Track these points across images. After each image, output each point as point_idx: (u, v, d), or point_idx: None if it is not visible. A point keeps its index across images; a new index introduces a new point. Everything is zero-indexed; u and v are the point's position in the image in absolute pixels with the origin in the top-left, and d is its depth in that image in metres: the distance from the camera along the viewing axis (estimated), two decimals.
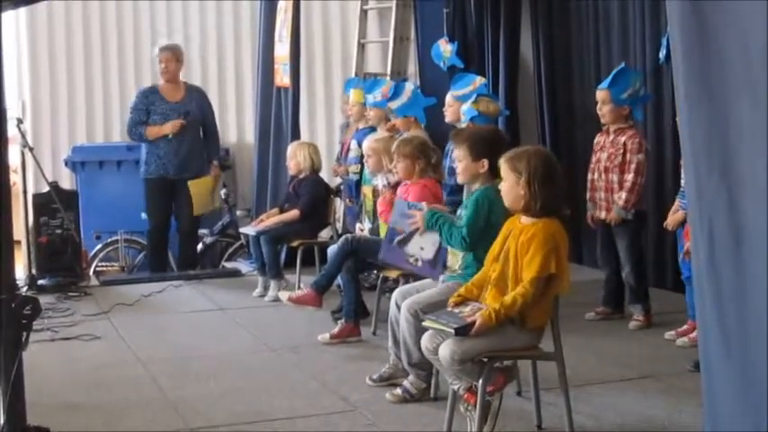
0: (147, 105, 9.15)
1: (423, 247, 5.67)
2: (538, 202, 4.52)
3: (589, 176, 7.19)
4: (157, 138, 9.07)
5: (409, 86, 8.12)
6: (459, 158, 5.31)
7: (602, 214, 7.06)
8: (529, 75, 9.91)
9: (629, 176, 6.85)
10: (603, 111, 7.01)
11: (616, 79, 6.97)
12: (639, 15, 8.25)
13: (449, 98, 7.73)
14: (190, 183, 9.07)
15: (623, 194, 6.86)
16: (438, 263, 5.59)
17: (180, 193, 9.13)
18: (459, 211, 5.46)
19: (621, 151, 6.89)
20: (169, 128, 9.04)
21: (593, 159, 7.16)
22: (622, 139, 6.91)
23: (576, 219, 8.82)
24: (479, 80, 7.91)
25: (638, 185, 6.87)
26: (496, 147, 5.16)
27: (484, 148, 5.21)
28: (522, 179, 4.54)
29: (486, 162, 5.19)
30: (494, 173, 5.19)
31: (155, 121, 9.10)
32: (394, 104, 8.01)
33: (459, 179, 5.42)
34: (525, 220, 4.60)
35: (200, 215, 9.36)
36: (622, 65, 7.33)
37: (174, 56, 9.27)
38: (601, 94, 7.02)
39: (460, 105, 7.53)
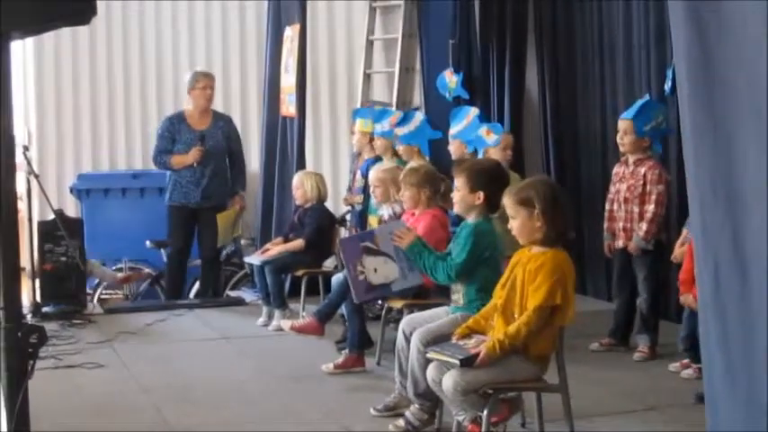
0: (173, 133, 9.13)
1: (377, 269, 5.67)
2: (553, 232, 4.53)
3: (607, 206, 7.19)
4: (182, 167, 9.06)
5: (419, 116, 8.19)
6: (456, 188, 5.35)
7: (621, 244, 7.05)
8: (534, 105, 9.93)
9: (650, 207, 6.85)
10: (625, 141, 7.02)
11: (641, 111, 6.99)
12: (644, 46, 8.26)
13: (449, 137, 7.81)
14: (219, 216, 9.05)
15: (644, 225, 6.85)
16: (374, 293, 5.64)
17: (203, 222, 9.10)
18: (450, 245, 5.49)
19: (642, 182, 6.89)
20: (191, 157, 9.01)
21: (612, 190, 7.15)
22: (642, 170, 6.91)
23: (581, 249, 8.87)
24: (473, 112, 8.00)
25: (659, 216, 6.87)
26: (495, 180, 5.21)
27: (481, 181, 5.25)
28: (537, 210, 4.53)
29: (482, 194, 5.22)
30: (490, 207, 5.25)
31: (179, 150, 9.08)
32: (400, 131, 8.07)
33: (455, 209, 5.45)
34: (535, 249, 4.60)
35: (222, 246, 9.39)
36: (647, 97, 7.36)
37: (213, 82, 9.29)
38: (624, 123, 7.03)
39: (460, 143, 7.61)
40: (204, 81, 9.18)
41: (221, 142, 9.20)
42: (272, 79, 10.12)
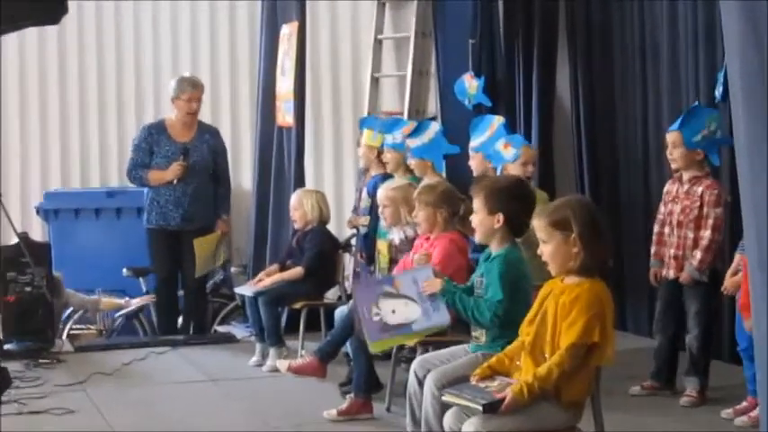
0: (151, 144, 9.16)
1: (395, 310, 5.63)
2: (591, 259, 4.54)
3: (656, 229, 7.17)
4: (160, 184, 9.10)
5: (434, 127, 8.20)
6: (474, 210, 5.37)
7: (671, 273, 7.02)
8: (566, 115, 9.93)
9: (706, 233, 6.80)
10: (675, 155, 7.00)
11: (688, 119, 6.98)
12: (692, 47, 8.26)
13: (470, 150, 7.81)
14: (195, 242, 9.07)
15: (698, 254, 6.80)
16: (390, 333, 5.60)
17: (185, 247, 9.13)
18: (474, 277, 5.49)
19: (698, 204, 6.86)
20: (171, 173, 9.04)
21: (663, 210, 7.11)
22: (699, 189, 6.88)
23: (620, 278, 8.86)
24: (497, 121, 7.98)
25: (715, 243, 6.82)
26: (516, 200, 5.24)
27: (501, 200, 5.26)
28: (574, 235, 4.53)
29: (501, 217, 5.24)
30: (513, 230, 5.27)
31: (158, 164, 9.12)
32: (413, 142, 8.08)
33: (477, 237, 5.45)
34: (569, 279, 4.61)
35: (206, 274, 9.43)
36: (695, 103, 7.36)
37: (201, 93, 9.31)
38: (671, 136, 7.03)
39: (483, 156, 7.62)
40: (190, 92, 9.20)
41: (206, 157, 9.23)
42: (267, 85, 10.16)
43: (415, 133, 8.14)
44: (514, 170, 7.51)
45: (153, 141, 9.17)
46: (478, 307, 5.23)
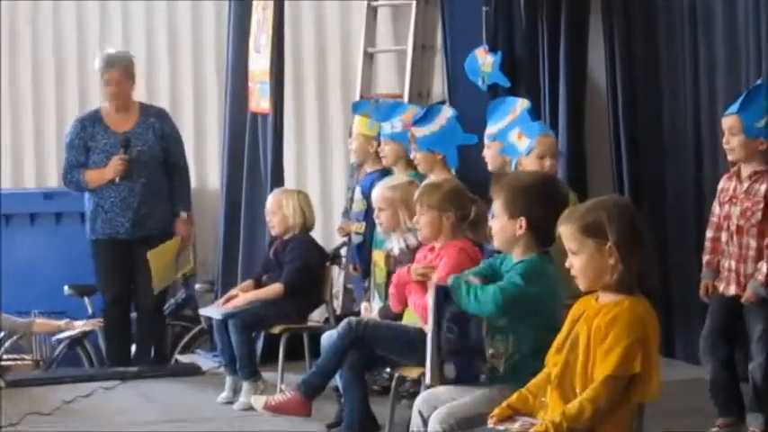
0: (86, 140, 9.16)
1: None
2: (631, 273, 4.49)
3: (709, 234, 7.14)
4: (101, 185, 9.07)
5: (446, 112, 8.13)
6: (494, 214, 5.38)
7: (731, 289, 6.96)
8: (599, 96, 9.96)
9: None
10: (732, 144, 6.96)
11: (748, 102, 6.95)
12: (753, 14, 8.21)
13: (485, 139, 7.75)
14: (149, 254, 9.03)
15: (765, 267, 6.75)
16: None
17: (139, 259, 9.11)
18: None
19: (761, 205, 6.81)
20: (111, 170, 9.01)
21: (719, 212, 7.08)
22: (762, 187, 6.82)
23: (667, 295, 8.83)
24: (520, 105, 7.91)
25: None
26: (543, 200, 5.23)
27: (523, 203, 5.26)
28: (610, 243, 4.48)
29: (524, 221, 5.23)
30: (539, 237, 5.24)
31: (96, 162, 9.11)
32: (420, 131, 8.00)
33: (495, 243, 5.45)
34: (604, 297, 4.57)
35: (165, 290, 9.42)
36: (758, 82, 7.34)
37: (125, 72, 9.24)
38: (729, 120, 7.00)
39: (500, 146, 7.56)
40: (108, 73, 9.18)
41: (154, 145, 9.21)
42: (237, 63, 10.19)
43: (422, 121, 8.07)
44: (530, 164, 7.42)
45: (87, 136, 9.17)
46: (483, 290, 5.19)
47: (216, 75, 11.04)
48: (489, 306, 5.17)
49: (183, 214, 9.33)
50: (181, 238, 9.29)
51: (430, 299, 5.63)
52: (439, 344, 5.48)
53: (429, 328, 5.46)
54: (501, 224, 5.31)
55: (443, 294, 5.49)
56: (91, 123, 9.21)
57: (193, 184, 10.81)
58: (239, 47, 10.14)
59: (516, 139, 7.68)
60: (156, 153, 9.19)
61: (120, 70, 9.22)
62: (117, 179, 8.99)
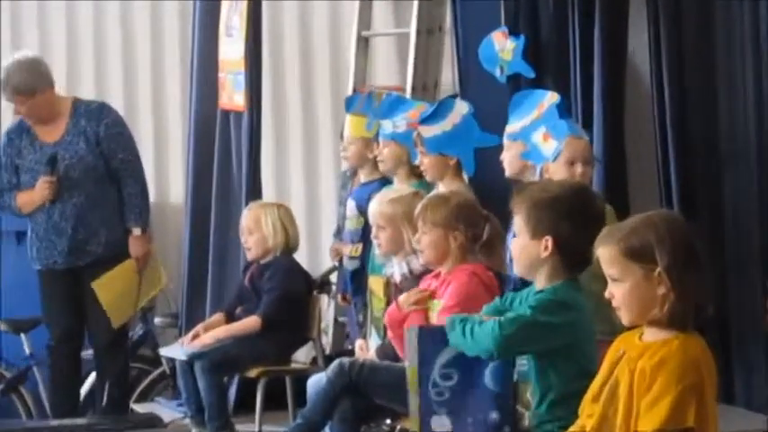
0: (12, 156, 9.21)
1: None
2: (683, 304, 4.45)
3: None
4: (34, 209, 9.10)
5: (461, 108, 8.11)
6: (515, 232, 5.38)
7: None
8: (642, 90, 9.97)
9: None
10: None
11: None
12: None
13: (504, 138, 7.72)
14: (94, 285, 9.03)
15: None
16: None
17: (87, 290, 9.12)
18: None
19: None
20: (39, 195, 9.02)
21: None
22: None
23: (725, 329, 8.81)
24: (549, 99, 7.88)
25: None
26: (573, 216, 5.21)
27: (550, 219, 5.22)
28: (659, 269, 4.43)
29: (550, 241, 5.19)
30: (568, 261, 5.21)
31: (25, 183, 9.15)
32: (427, 131, 7.98)
33: (515, 267, 5.47)
34: (650, 335, 4.53)
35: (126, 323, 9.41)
36: None
37: (27, 96, 9.09)
38: None
39: (522, 149, 7.53)
40: (13, 101, 9.21)
41: (86, 155, 9.14)
42: (205, 50, 10.21)
43: (431, 118, 8.06)
44: (558, 172, 7.40)
45: (14, 152, 9.21)
46: (482, 324, 5.16)
47: (179, 65, 11.06)
48: (485, 343, 5.14)
49: (136, 230, 9.25)
50: (135, 259, 9.25)
51: (406, 343, 5.63)
52: (427, 395, 5.53)
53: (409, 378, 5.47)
54: (522, 244, 5.28)
55: (429, 336, 5.51)
56: (18, 135, 9.25)
57: (153, 197, 10.81)
58: (207, 30, 10.15)
59: (541, 141, 7.65)
60: (90, 163, 9.14)
61: (22, 98, 9.12)
62: (46, 203, 9.01)
